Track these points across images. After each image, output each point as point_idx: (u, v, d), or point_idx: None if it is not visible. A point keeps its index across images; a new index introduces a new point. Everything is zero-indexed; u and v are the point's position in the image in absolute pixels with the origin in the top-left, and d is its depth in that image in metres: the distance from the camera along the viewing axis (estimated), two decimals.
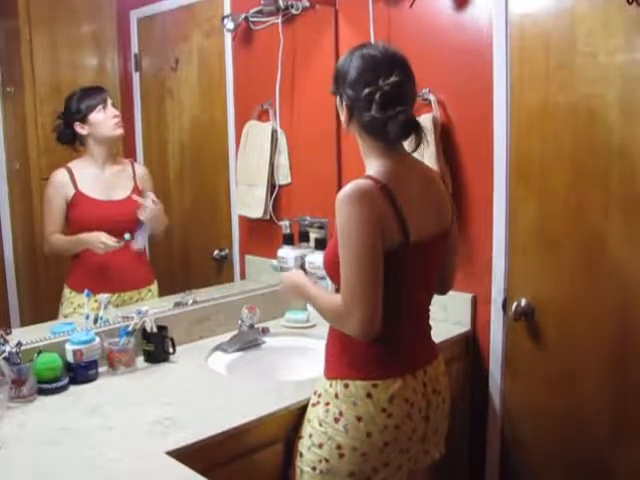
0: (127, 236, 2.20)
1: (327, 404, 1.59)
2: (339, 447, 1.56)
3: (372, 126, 1.53)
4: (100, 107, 2.22)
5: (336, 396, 1.57)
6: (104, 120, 2.23)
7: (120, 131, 2.28)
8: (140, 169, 2.43)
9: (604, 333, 1.97)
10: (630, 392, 1.94)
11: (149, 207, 2.28)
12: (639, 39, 1.80)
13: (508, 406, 2.22)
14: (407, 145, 1.58)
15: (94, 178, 2.27)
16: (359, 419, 1.54)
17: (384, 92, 1.48)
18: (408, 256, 1.53)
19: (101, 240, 2.17)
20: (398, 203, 1.49)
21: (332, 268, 1.57)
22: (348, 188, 1.48)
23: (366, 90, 1.49)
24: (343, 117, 1.58)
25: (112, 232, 2.23)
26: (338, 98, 1.60)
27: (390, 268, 1.50)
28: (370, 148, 1.57)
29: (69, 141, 2.24)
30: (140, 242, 2.30)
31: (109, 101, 2.25)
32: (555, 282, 2.06)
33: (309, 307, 2.48)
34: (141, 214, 2.27)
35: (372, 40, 2.31)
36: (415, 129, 1.52)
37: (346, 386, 1.56)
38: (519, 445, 2.21)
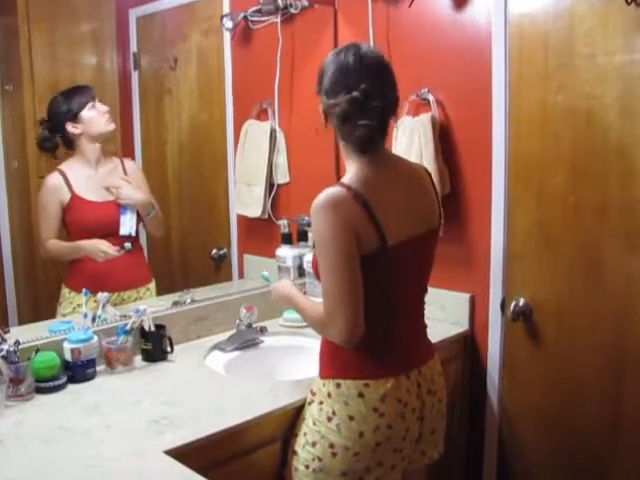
0: (128, 245, 2.20)
1: (321, 403, 1.59)
2: (332, 446, 1.56)
3: (339, 134, 1.57)
4: (90, 104, 2.21)
5: (329, 395, 1.58)
6: (96, 116, 2.21)
7: (113, 126, 2.26)
8: (129, 164, 2.41)
9: (602, 333, 1.97)
10: (628, 392, 1.94)
11: (122, 186, 2.27)
12: (638, 40, 1.80)
13: (506, 406, 2.22)
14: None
15: (88, 179, 2.25)
16: (351, 418, 1.55)
17: (342, 109, 1.51)
18: (391, 258, 1.53)
19: (101, 249, 2.16)
20: (372, 208, 1.50)
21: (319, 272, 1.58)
22: (321, 197, 1.49)
23: (331, 101, 1.53)
24: (322, 121, 1.59)
25: (111, 233, 2.23)
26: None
27: (374, 272, 1.51)
28: (347, 151, 1.59)
29: (51, 148, 2.21)
30: (127, 227, 2.27)
31: (97, 97, 2.24)
32: (553, 282, 2.06)
33: None
34: (119, 197, 2.26)
35: (370, 40, 2.32)
36: (376, 143, 1.55)
37: (338, 385, 1.57)
38: (516, 445, 2.21)
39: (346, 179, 1.55)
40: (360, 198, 1.49)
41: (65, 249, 2.22)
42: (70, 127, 2.19)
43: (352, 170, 1.56)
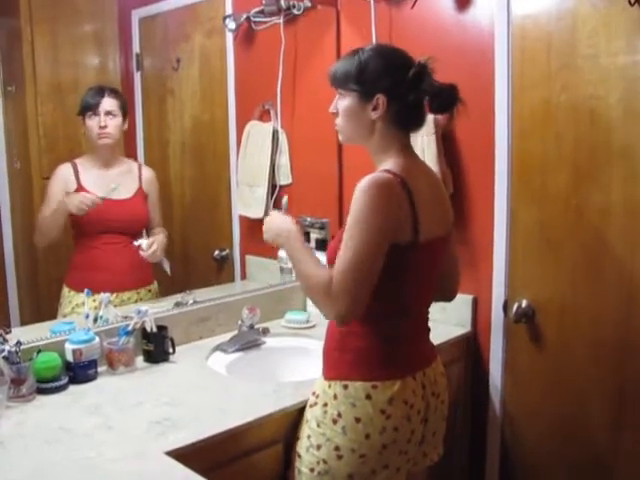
0: (113, 186, 2.21)
1: (325, 405, 1.58)
2: (337, 448, 1.55)
3: (416, 104, 1.54)
4: (90, 113, 2.22)
5: (335, 397, 1.56)
6: (91, 127, 2.23)
7: (103, 142, 2.25)
8: (147, 172, 2.43)
9: (605, 335, 1.96)
10: (630, 393, 1.94)
11: (145, 253, 2.27)
12: None
13: (508, 408, 2.21)
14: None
15: (98, 175, 2.27)
16: (358, 420, 1.54)
17: (428, 67, 1.54)
18: (415, 255, 1.53)
19: (79, 199, 2.15)
20: (414, 199, 1.49)
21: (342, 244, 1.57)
22: (369, 178, 1.48)
23: (413, 71, 1.52)
24: (374, 114, 1.54)
25: (112, 231, 2.24)
26: (356, 98, 1.55)
27: (398, 266, 1.50)
28: (389, 145, 1.57)
29: None
30: (167, 268, 2.38)
31: (103, 107, 2.23)
32: (556, 284, 2.05)
33: (309, 307, 2.48)
34: (151, 259, 2.30)
35: (373, 41, 2.32)
36: (457, 101, 1.56)
37: (345, 387, 1.55)
38: (519, 446, 2.20)
39: (388, 167, 1.53)
40: (405, 186, 1.49)
41: (49, 216, 2.17)
42: (82, 124, 2.24)
43: (390, 163, 1.54)
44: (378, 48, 1.60)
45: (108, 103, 2.24)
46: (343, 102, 1.58)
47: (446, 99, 1.54)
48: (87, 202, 2.14)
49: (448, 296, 1.82)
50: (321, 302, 1.48)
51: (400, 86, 1.52)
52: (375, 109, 1.54)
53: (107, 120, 2.23)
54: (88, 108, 2.23)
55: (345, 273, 1.43)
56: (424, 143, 2.15)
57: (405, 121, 1.57)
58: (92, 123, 2.23)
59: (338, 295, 1.43)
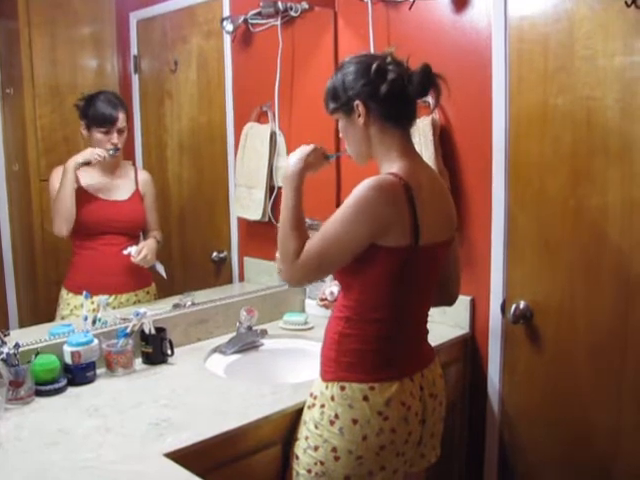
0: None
1: (322, 406, 1.58)
2: (334, 450, 1.55)
3: (392, 94, 1.53)
4: (104, 129, 2.21)
5: (332, 398, 1.57)
6: (101, 142, 2.22)
7: (115, 157, 2.25)
8: (143, 174, 2.43)
9: (603, 336, 1.97)
10: (628, 394, 1.94)
11: (136, 259, 2.27)
12: (638, 42, 1.80)
13: (506, 409, 2.22)
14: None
15: (96, 177, 2.27)
16: (355, 422, 1.54)
17: (393, 56, 1.56)
18: (415, 259, 1.53)
19: (95, 152, 2.16)
20: (415, 204, 1.50)
21: (341, 272, 1.58)
22: (373, 178, 1.50)
23: (374, 67, 1.53)
24: (360, 120, 1.56)
25: (110, 232, 2.24)
26: (342, 114, 1.60)
27: (397, 269, 1.51)
28: (388, 148, 1.57)
29: None
30: (162, 271, 2.38)
31: (118, 125, 2.23)
32: (554, 285, 2.06)
33: (307, 309, 2.48)
34: (142, 264, 2.29)
35: (371, 42, 2.33)
36: (435, 79, 1.56)
37: (342, 388, 1.56)
38: (517, 447, 2.21)
39: (394, 170, 1.54)
40: (408, 190, 1.50)
41: (61, 187, 2.14)
42: (81, 127, 2.23)
43: (395, 166, 1.55)
44: (348, 61, 1.60)
45: (121, 120, 2.24)
46: (339, 124, 1.63)
47: (421, 81, 1.55)
48: (99, 152, 2.17)
49: (449, 300, 1.82)
50: (283, 263, 1.58)
51: (369, 85, 1.54)
52: (359, 116, 1.57)
53: (119, 137, 2.24)
54: (102, 124, 2.21)
55: (313, 253, 1.53)
56: (421, 145, 2.15)
57: (391, 116, 1.57)
58: (103, 138, 2.22)
59: (299, 268, 1.54)
